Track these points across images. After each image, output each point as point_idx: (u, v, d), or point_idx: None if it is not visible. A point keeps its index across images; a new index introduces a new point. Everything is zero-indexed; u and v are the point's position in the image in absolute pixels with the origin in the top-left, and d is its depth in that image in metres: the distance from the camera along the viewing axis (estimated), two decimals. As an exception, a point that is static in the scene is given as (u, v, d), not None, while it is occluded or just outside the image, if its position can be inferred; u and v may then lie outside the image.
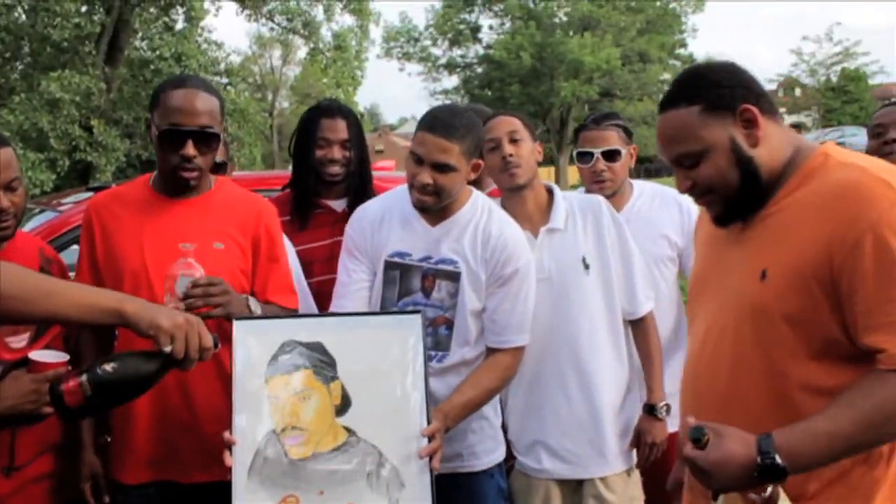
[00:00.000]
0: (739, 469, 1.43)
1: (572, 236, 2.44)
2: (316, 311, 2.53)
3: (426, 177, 2.16)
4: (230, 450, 1.89)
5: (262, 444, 1.91)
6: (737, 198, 1.58)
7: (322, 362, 1.96)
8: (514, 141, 2.43)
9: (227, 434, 1.89)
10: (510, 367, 2.26)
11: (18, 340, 2.06)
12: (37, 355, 1.82)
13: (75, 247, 2.95)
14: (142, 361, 1.61)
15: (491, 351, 2.27)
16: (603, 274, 2.42)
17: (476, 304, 2.25)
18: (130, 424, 2.13)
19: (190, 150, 2.09)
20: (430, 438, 1.96)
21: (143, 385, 1.64)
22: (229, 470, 1.89)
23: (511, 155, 2.40)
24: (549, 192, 2.52)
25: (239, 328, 1.95)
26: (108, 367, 1.57)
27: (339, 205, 2.79)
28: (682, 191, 1.64)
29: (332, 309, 2.32)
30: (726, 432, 1.46)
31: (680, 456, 1.61)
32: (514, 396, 2.44)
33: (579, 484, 2.39)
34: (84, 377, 1.56)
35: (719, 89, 1.56)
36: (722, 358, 1.60)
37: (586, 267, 2.41)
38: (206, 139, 2.12)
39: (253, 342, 1.94)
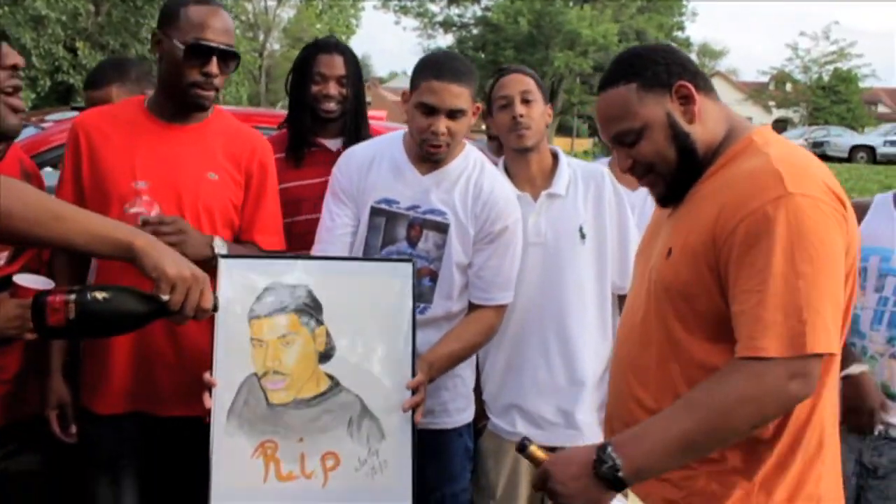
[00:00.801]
0: (580, 474, 1.44)
1: (572, 203, 2.40)
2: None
3: (441, 125, 2.11)
4: (210, 391, 1.83)
5: (243, 388, 1.86)
6: (675, 176, 1.58)
7: (308, 306, 1.90)
8: (526, 101, 2.38)
9: (207, 375, 1.84)
10: (493, 324, 2.24)
11: None
12: (22, 280, 1.75)
13: (49, 169, 2.86)
14: (135, 300, 1.54)
15: (474, 307, 2.24)
16: (598, 245, 2.39)
17: (462, 258, 2.21)
18: (108, 353, 2.06)
19: (214, 67, 2.04)
20: (415, 391, 1.92)
21: (129, 325, 1.58)
22: (209, 411, 1.83)
23: (522, 116, 2.35)
24: (555, 156, 2.47)
25: (224, 266, 1.88)
26: (100, 295, 1.50)
27: (334, 144, 2.71)
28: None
29: (313, 253, 2.26)
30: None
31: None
32: (493, 356, 2.41)
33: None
34: (72, 297, 1.48)
35: (655, 66, 1.56)
36: (635, 329, 1.64)
37: (583, 236, 2.38)
38: (228, 58, 2.08)
39: (237, 282, 1.87)
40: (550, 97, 2.80)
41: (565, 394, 2.37)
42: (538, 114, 2.39)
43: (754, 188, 1.44)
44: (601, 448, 1.43)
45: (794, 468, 1.48)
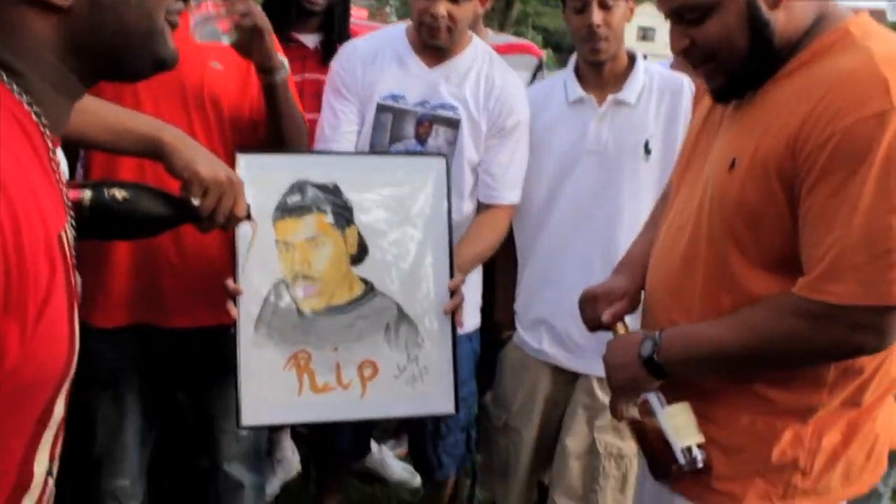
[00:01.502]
0: (626, 357, 1.40)
1: (642, 114, 2.12)
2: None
3: (441, 8, 1.94)
4: (234, 300, 1.67)
5: (271, 295, 1.70)
6: (742, 68, 1.30)
7: (337, 205, 1.73)
8: (605, 6, 2.02)
9: (230, 282, 1.66)
10: (505, 224, 2.14)
11: None
12: None
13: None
14: (159, 202, 1.33)
15: (484, 208, 2.12)
16: (663, 163, 2.09)
17: (474, 155, 2.07)
18: (106, 261, 1.85)
19: None
20: (453, 293, 1.79)
21: (150, 229, 1.38)
22: (234, 322, 1.67)
23: (599, 26, 2.02)
24: (631, 58, 2.17)
25: (243, 162, 1.68)
26: (118, 193, 1.27)
27: (311, 40, 2.46)
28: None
29: None
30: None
31: None
32: (531, 266, 2.23)
33: (575, 377, 2.22)
34: (88, 194, 1.27)
35: None
36: (677, 250, 1.42)
37: (647, 152, 2.11)
38: None
39: (259, 179, 1.66)
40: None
41: None
42: (618, 19, 2.05)
43: (852, 97, 1.16)
44: (653, 334, 1.38)
45: (852, 413, 1.32)
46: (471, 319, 2.22)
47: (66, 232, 0.81)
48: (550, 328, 2.21)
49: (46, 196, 0.77)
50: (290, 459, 2.97)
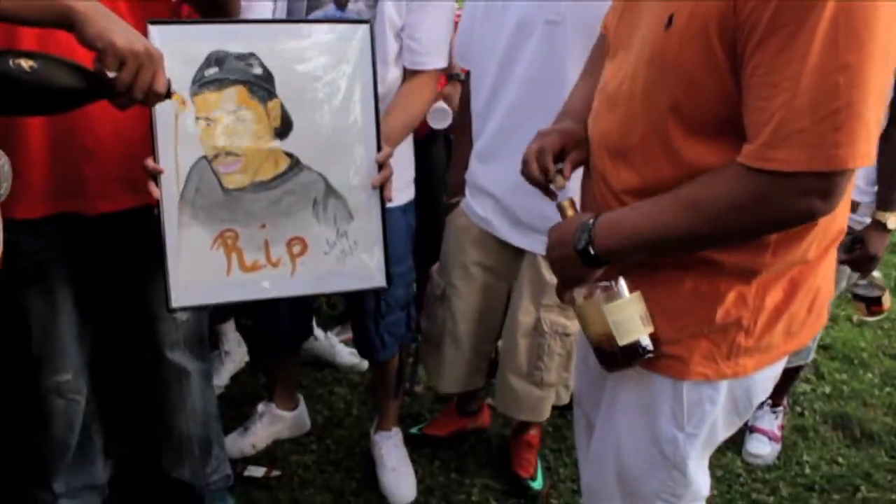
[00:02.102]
0: (565, 250, 1.35)
1: None
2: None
3: None
4: (156, 180, 1.61)
5: (193, 173, 1.64)
6: None
7: (257, 77, 1.66)
8: None
9: (149, 162, 1.60)
10: (432, 91, 2.09)
11: None
12: None
13: None
14: (71, 74, 1.25)
15: (410, 74, 2.05)
16: None
17: (396, 19, 1.99)
18: (23, 150, 1.75)
19: None
20: (381, 166, 1.74)
21: (61, 103, 1.30)
22: (157, 203, 1.61)
23: None
24: None
25: (155, 33, 1.59)
26: (26, 63, 1.19)
27: None
28: None
29: None
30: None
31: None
32: (482, 139, 2.17)
33: (520, 252, 2.20)
34: None
35: None
36: (615, 118, 1.35)
37: None
38: None
39: (174, 51, 1.56)
40: None
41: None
42: None
43: None
44: (586, 221, 1.32)
45: (795, 269, 1.32)
46: (403, 193, 2.20)
47: None
48: (496, 202, 2.18)
49: None
50: (237, 350, 2.97)
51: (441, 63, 2.08)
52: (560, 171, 1.44)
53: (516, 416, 2.47)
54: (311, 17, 1.95)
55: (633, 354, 1.32)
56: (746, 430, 2.79)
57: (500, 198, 2.16)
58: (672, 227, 1.22)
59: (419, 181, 2.32)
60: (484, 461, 2.69)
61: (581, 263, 1.32)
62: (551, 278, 2.11)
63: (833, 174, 1.11)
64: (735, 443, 2.75)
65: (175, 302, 1.66)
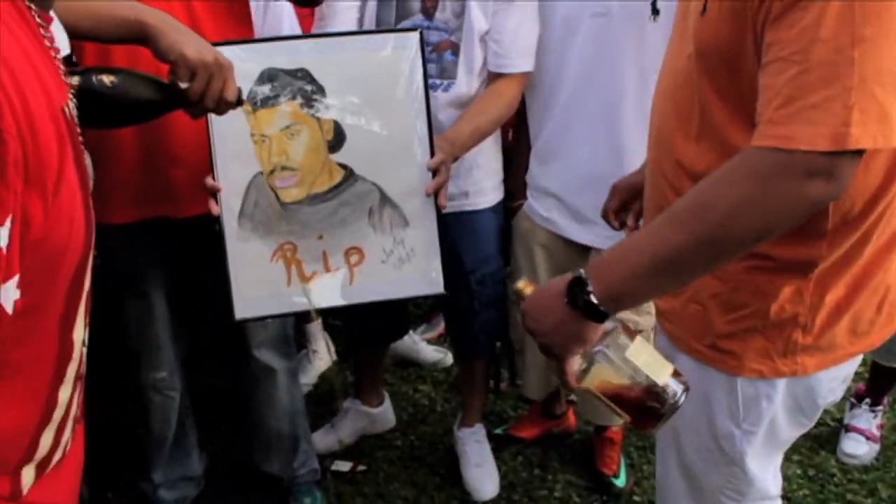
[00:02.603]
0: (556, 315, 1.17)
1: None
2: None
3: None
4: (216, 197, 1.71)
5: (251, 189, 1.74)
6: None
7: (309, 92, 1.73)
8: None
9: (209, 180, 1.70)
10: (514, 95, 2.08)
11: None
12: None
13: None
14: (148, 87, 1.32)
15: (493, 78, 2.07)
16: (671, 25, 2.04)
17: (483, 25, 2.02)
18: (116, 157, 1.91)
19: None
20: (435, 172, 1.79)
21: (140, 114, 1.38)
22: (218, 218, 1.72)
23: None
24: None
25: None
26: (107, 78, 1.28)
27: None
28: None
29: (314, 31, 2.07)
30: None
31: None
32: (541, 138, 2.20)
33: (586, 250, 2.20)
34: (75, 80, 1.28)
35: None
36: (673, 95, 1.33)
37: (655, 12, 1.98)
38: None
39: None
40: None
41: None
42: None
43: None
44: (572, 276, 1.17)
45: (859, 263, 1.25)
46: (493, 194, 2.25)
47: (68, 106, 0.86)
48: (559, 200, 2.19)
49: (45, 70, 0.82)
50: (325, 349, 3.09)
51: (526, 66, 2.07)
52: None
53: (599, 422, 2.48)
54: (400, 27, 2.01)
55: (673, 395, 1.17)
56: (842, 428, 2.68)
57: (562, 196, 2.17)
58: (678, 246, 1.10)
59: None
60: (567, 457, 2.71)
61: (580, 322, 1.15)
62: None
63: (841, 154, 1.02)
64: (829, 442, 2.65)
65: (238, 314, 1.76)
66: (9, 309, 0.78)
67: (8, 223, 0.73)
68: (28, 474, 0.92)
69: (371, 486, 2.56)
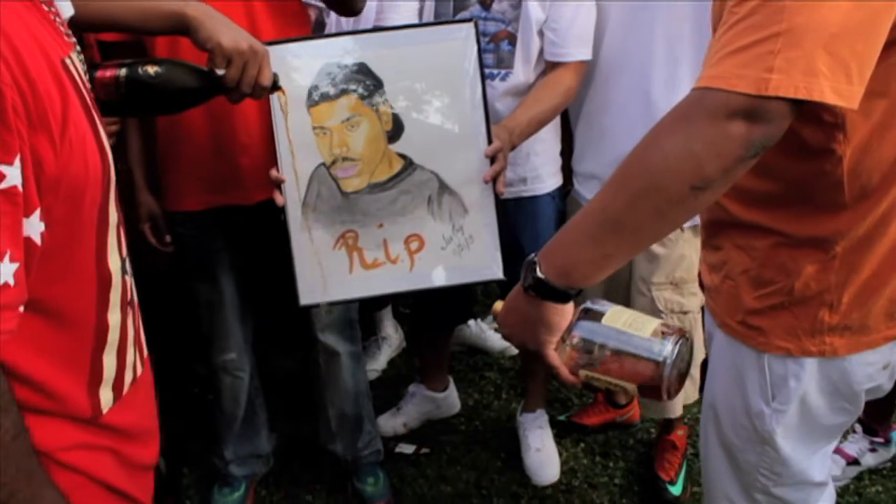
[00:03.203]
0: (520, 311, 1.16)
1: None
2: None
3: None
4: (279, 188, 1.78)
5: (313, 179, 1.80)
6: None
7: (368, 85, 1.79)
8: None
9: (273, 171, 1.78)
10: (572, 83, 2.08)
11: None
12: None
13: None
14: (188, 75, 1.42)
15: (551, 67, 2.09)
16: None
17: (540, 15, 2.04)
18: (188, 148, 2.01)
19: None
20: (493, 160, 1.82)
21: (183, 101, 1.47)
22: (283, 209, 1.79)
23: None
24: None
25: (272, 54, 1.75)
26: (151, 69, 1.38)
27: None
28: None
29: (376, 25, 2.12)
30: None
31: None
32: (581, 122, 2.24)
33: None
34: (123, 71, 1.38)
35: None
36: None
37: None
38: None
39: (289, 69, 1.75)
40: None
41: None
42: None
43: None
44: (528, 259, 1.15)
45: (887, 240, 1.23)
46: (552, 180, 2.28)
47: (70, 58, 0.96)
48: (601, 182, 2.18)
49: (41, 28, 0.92)
50: (394, 336, 3.16)
51: (582, 55, 2.07)
52: None
53: (650, 415, 2.47)
54: (458, 17, 2.05)
55: (664, 350, 1.09)
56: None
57: (603, 178, 2.17)
58: (613, 203, 1.08)
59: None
60: (629, 447, 2.71)
61: (539, 305, 1.13)
62: (657, 248, 2.13)
63: (762, 99, 0.99)
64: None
65: (303, 300, 1.83)
66: (37, 240, 0.87)
67: (17, 163, 0.82)
68: (106, 395, 1.02)
69: (433, 469, 2.61)
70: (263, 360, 2.45)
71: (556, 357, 1.16)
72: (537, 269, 1.12)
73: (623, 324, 1.10)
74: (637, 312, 1.14)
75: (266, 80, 1.46)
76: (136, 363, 1.10)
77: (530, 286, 1.13)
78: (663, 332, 1.09)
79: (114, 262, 1.02)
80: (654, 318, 1.13)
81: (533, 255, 1.14)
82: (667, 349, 1.07)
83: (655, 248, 2.13)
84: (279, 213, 1.80)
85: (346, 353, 2.34)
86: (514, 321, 1.20)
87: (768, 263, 1.29)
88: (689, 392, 2.29)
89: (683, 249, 2.18)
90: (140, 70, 1.39)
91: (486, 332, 3.19)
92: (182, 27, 1.40)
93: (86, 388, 1.00)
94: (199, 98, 1.47)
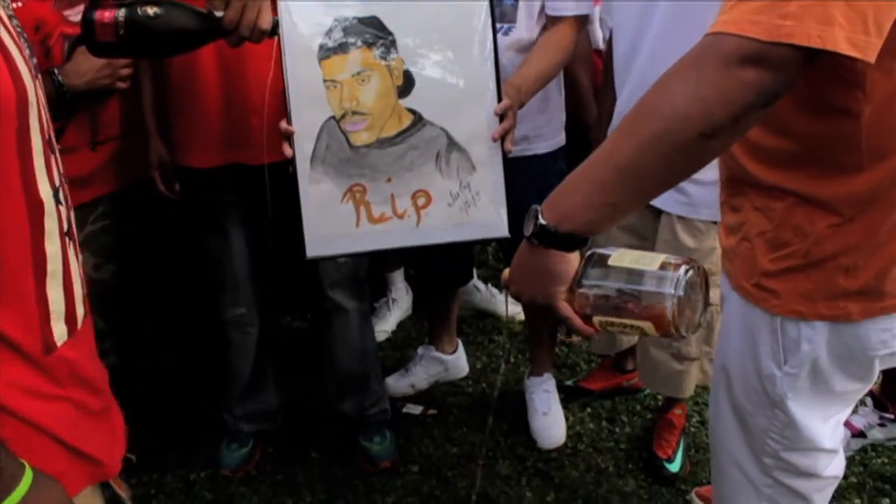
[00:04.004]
0: (526, 263, 1.15)
1: None
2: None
3: None
4: (289, 140, 1.78)
5: (323, 132, 1.79)
6: None
7: (379, 38, 1.77)
8: None
9: (283, 123, 1.77)
10: (572, 39, 2.08)
11: (76, 14, 1.90)
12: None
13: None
14: (187, 16, 1.42)
15: (552, 22, 2.08)
16: None
17: None
18: (200, 105, 2.02)
19: None
20: (502, 118, 1.80)
21: (181, 43, 1.48)
22: (292, 160, 1.79)
23: None
24: None
25: (283, 6, 1.75)
26: (150, 10, 1.39)
27: None
28: None
29: None
30: None
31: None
32: (620, 98, 2.17)
33: (658, 213, 2.18)
34: (121, 13, 1.39)
35: None
36: None
37: None
38: None
39: (300, 21, 1.74)
40: None
41: None
42: None
43: None
44: (532, 209, 1.14)
45: None
46: (555, 139, 2.27)
47: None
48: None
49: None
50: (404, 298, 3.17)
51: (581, 9, 2.07)
52: None
53: (658, 391, 2.46)
54: None
55: (676, 280, 1.08)
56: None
57: None
58: (620, 148, 1.06)
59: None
60: (635, 412, 2.71)
61: (543, 255, 1.13)
62: (687, 240, 2.11)
63: (775, 45, 0.97)
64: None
65: (310, 252, 1.82)
66: None
67: None
68: (59, 328, 0.99)
69: (440, 430, 2.63)
70: (272, 320, 2.47)
71: (567, 307, 1.15)
72: (540, 216, 1.11)
73: (630, 262, 1.09)
74: (642, 251, 1.13)
75: (265, 24, 1.46)
76: (85, 299, 1.06)
77: (534, 234, 1.12)
78: (672, 265, 1.09)
79: (44, 188, 0.98)
80: (660, 254, 1.12)
81: (535, 206, 1.13)
82: (677, 276, 1.07)
83: (685, 239, 2.11)
84: (288, 167, 1.80)
85: (354, 310, 2.35)
86: (521, 275, 1.20)
87: (785, 225, 1.27)
88: (707, 371, 2.28)
89: (714, 242, 2.15)
90: (139, 11, 1.39)
91: (496, 297, 3.19)
92: None
93: (36, 321, 0.96)
94: (199, 40, 1.48)
